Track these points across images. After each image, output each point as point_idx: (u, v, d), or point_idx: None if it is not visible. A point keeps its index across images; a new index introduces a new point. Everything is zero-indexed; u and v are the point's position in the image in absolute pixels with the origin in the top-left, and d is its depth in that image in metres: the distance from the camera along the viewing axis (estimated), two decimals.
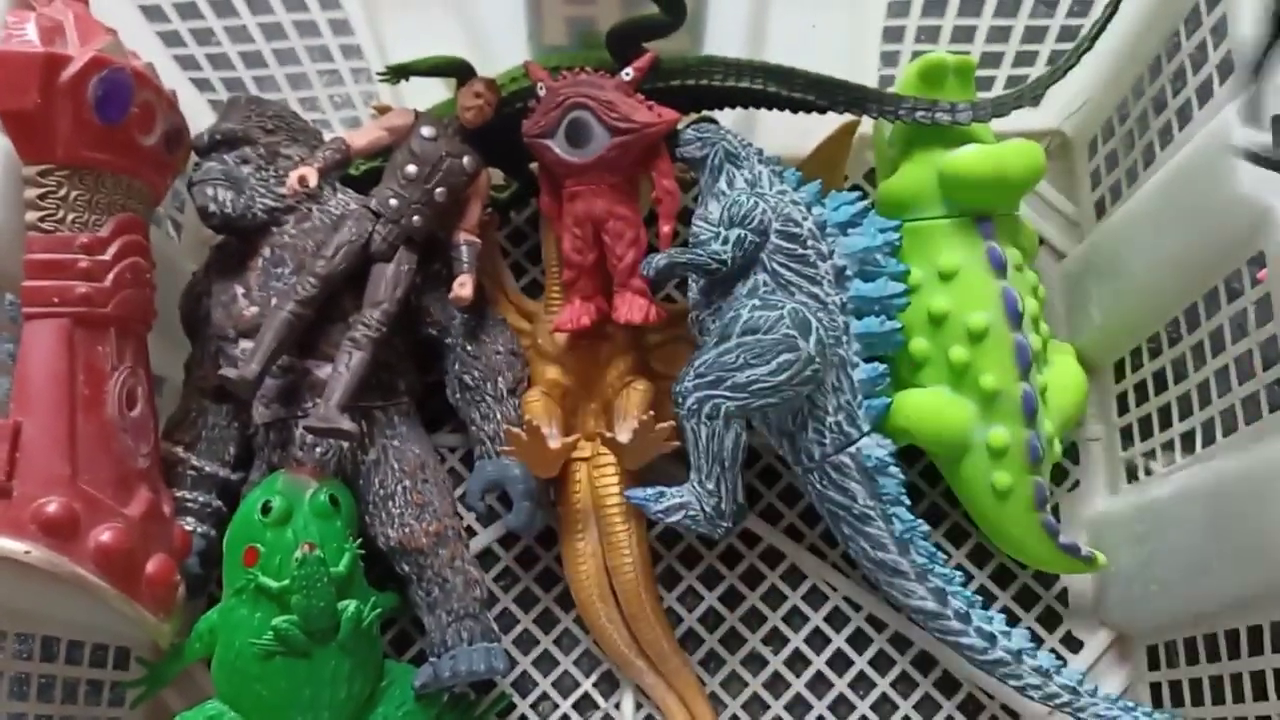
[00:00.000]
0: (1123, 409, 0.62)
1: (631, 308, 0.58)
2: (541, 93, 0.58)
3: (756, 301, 0.54)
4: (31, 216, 0.51)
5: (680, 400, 0.53)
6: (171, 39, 0.63)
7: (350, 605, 0.54)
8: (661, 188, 0.58)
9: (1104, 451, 0.64)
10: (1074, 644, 0.62)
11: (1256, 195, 0.48)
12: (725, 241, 0.54)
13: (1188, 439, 0.56)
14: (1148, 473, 0.60)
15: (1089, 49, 0.57)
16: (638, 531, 0.59)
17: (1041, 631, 0.62)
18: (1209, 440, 0.54)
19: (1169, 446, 0.58)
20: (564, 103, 0.57)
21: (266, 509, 0.53)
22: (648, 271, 0.56)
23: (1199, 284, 0.54)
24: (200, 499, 0.60)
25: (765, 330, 0.53)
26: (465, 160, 0.60)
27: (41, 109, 0.50)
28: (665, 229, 0.58)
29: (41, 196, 0.51)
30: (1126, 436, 0.62)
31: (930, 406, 0.58)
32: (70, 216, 0.52)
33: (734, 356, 0.52)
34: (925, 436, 0.58)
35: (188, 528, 0.58)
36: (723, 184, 0.58)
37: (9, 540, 0.48)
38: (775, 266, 0.55)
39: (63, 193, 0.51)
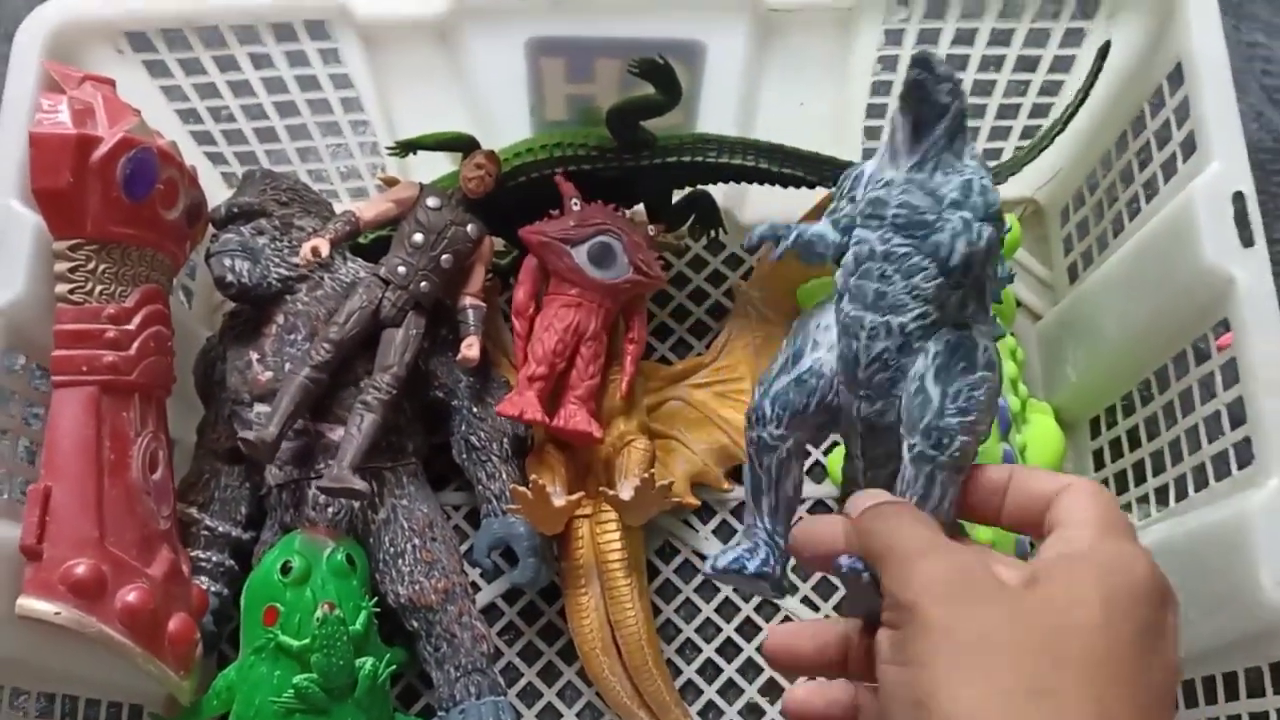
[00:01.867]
0: (1099, 464, 0.66)
1: (589, 421, 0.61)
2: (575, 206, 0.62)
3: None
4: (61, 289, 0.53)
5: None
6: (190, 116, 0.66)
7: (367, 663, 0.56)
8: (638, 335, 0.64)
9: None
10: None
11: (1220, 265, 0.51)
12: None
13: (1161, 493, 0.59)
14: None
15: (1062, 131, 0.61)
16: (639, 585, 0.61)
17: None
18: (1181, 495, 0.57)
19: (1144, 500, 0.61)
20: (600, 225, 0.61)
21: (286, 569, 0.55)
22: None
23: (1168, 347, 0.57)
24: (214, 558, 0.62)
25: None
26: (469, 228, 0.63)
27: (73, 187, 0.52)
28: (630, 370, 0.63)
29: (71, 270, 0.53)
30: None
31: None
32: (98, 289, 0.54)
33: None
34: None
35: (202, 586, 0.60)
36: (959, 152, 0.37)
37: (40, 601, 0.50)
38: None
39: (91, 266, 0.54)
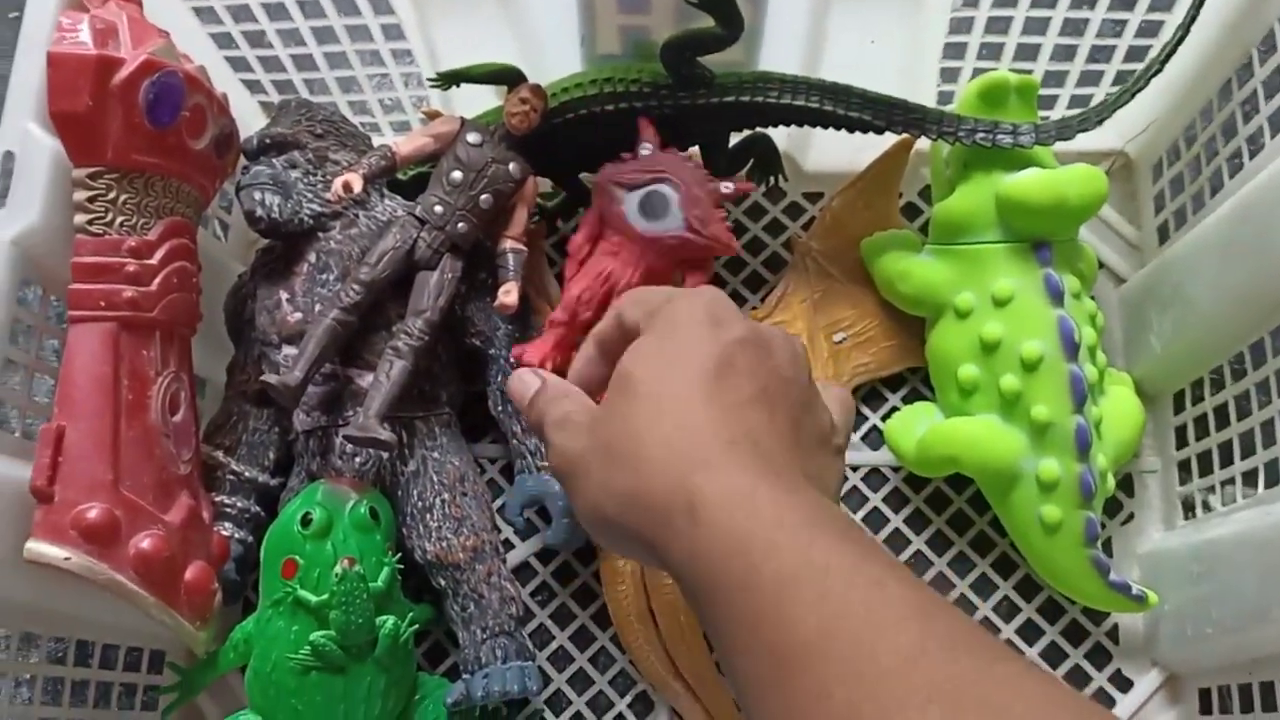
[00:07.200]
0: (1181, 442, 0.61)
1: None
2: (645, 151, 0.58)
3: None
4: (80, 219, 0.51)
5: None
6: (224, 41, 0.63)
7: (388, 621, 0.53)
8: None
9: (1160, 485, 0.62)
10: (1123, 683, 0.60)
11: None
12: None
13: (1249, 477, 0.55)
14: (1206, 509, 0.58)
15: (1159, 72, 0.56)
16: None
17: (1090, 669, 0.60)
18: (1272, 481, 0.52)
19: (1229, 483, 0.56)
20: (659, 173, 0.57)
21: (306, 521, 0.53)
22: None
23: (1266, 319, 0.52)
24: (239, 504, 0.60)
25: None
26: (511, 166, 0.59)
27: (93, 111, 0.49)
28: None
29: (91, 199, 0.51)
30: (1184, 470, 0.60)
31: (979, 435, 0.57)
32: (119, 220, 0.51)
33: None
34: (973, 466, 0.57)
35: (225, 533, 0.58)
36: None
37: (49, 546, 0.48)
38: None
39: (112, 196, 0.51)
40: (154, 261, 0.53)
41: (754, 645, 0.29)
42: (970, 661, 0.26)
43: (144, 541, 0.50)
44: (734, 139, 0.63)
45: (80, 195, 0.51)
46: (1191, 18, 0.54)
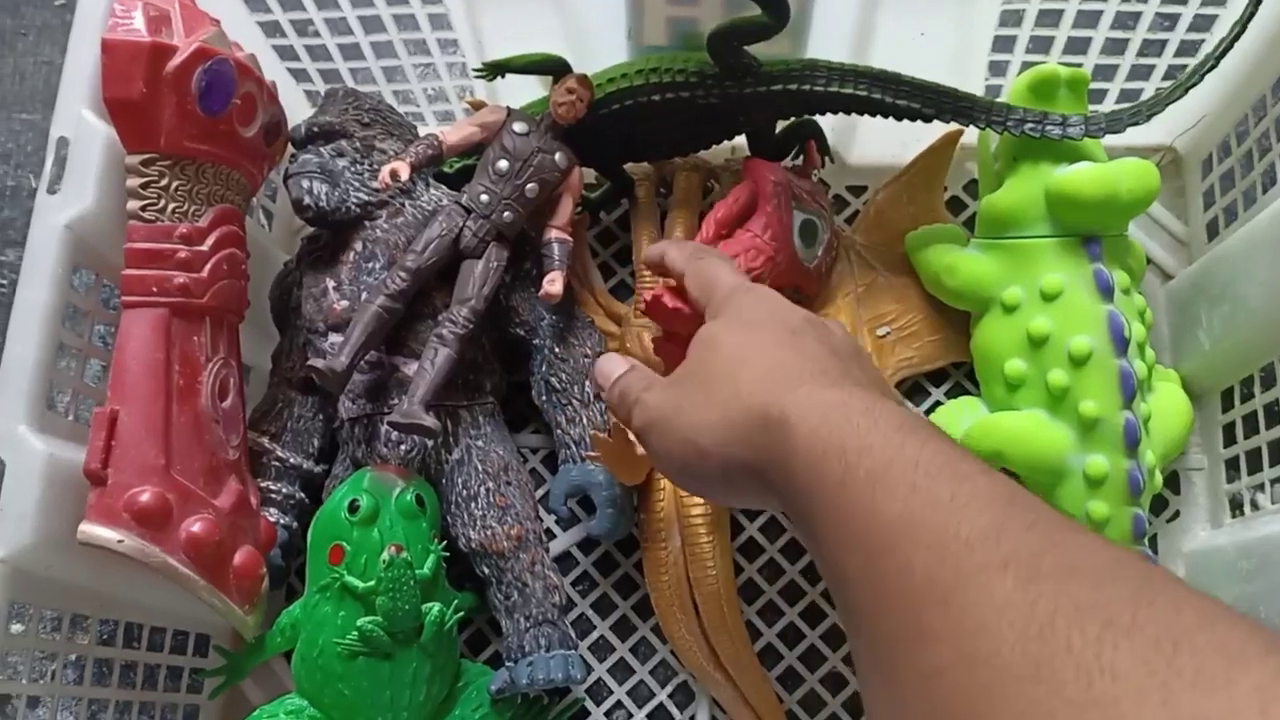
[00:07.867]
0: (1229, 440, 0.60)
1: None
2: (814, 177, 0.65)
3: None
4: (133, 205, 0.51)
5: None
6: (271, 29, 0.63)
7: (434, 608, 0.54)
8: None
9: (1207, 483, 0.62)
10: None
11: None
12: None
13: None
14: (1255, 507, 0.58)
15: (1213, 68, 0.55)
16: (721, 543, 0.58)
17: None
18: None
19: (1278, 481, 0.56)
20: (822, 208, 0.62)
21: (354, 507, 0.53)
22: None
23: None
24: (284, 490, 0.60)
25: None
26: (557, 156, 0.59)
27: (146, 99, 0.50)
28: None
29: (144, 185, 0.51)
30: (1232, 468, 0.60)
31: (1026, 430, 0.56)
32: (171, 206, 0.52)
33: None
34: (1019, 461, 0.56)
35: (270, 519, 0.58)
36: None
37: (102, 528, 0.48)
38: None
39: (164, 182, 0.51)
40: (205, 248, 0.53)
41: (846, 540, 0.31)
42: (1046, 532, 0.27)
43: (195, 525, 0.50)
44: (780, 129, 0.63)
45: (133, 182, 0.51)
46: (1249, 15, 0.54)
